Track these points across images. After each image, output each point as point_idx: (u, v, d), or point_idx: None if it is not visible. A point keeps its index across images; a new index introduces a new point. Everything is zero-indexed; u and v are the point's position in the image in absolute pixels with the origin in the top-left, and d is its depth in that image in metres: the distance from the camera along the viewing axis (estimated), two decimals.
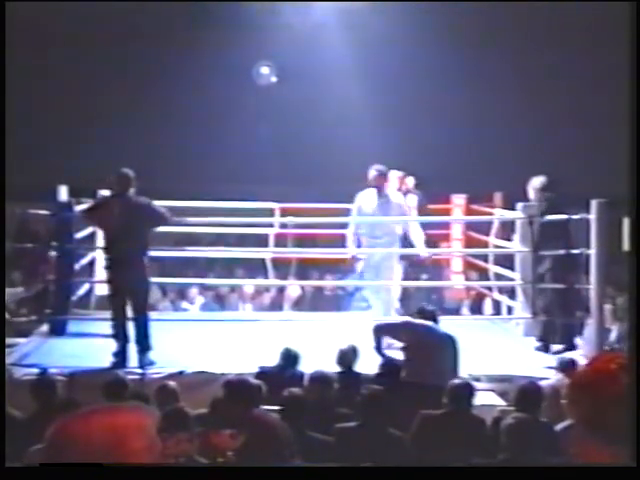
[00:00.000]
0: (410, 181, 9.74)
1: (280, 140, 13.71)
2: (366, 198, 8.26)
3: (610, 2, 11.17)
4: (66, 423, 1.84)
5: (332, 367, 6.37)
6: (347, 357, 6.46)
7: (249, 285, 11.04)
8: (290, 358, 6.49)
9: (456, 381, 5.69)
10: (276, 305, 10.97)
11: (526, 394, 5.50)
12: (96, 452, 1.79)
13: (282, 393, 5.31)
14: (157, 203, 7.86)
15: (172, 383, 5.80)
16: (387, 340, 6.79)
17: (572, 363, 6.51)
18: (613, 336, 8.74)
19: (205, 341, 8.20)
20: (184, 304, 11.24)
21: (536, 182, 8.20)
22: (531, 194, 8.22)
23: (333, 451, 4.98)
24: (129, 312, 7.44)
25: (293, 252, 9.80)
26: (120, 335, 7.38)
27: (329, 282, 10.94)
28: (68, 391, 6.14)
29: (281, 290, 11.05)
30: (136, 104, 13.43)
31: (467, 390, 5.59)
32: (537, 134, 13.84)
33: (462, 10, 13.23)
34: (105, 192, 9.36)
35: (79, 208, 8.68)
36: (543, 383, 6.19)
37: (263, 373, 6.41)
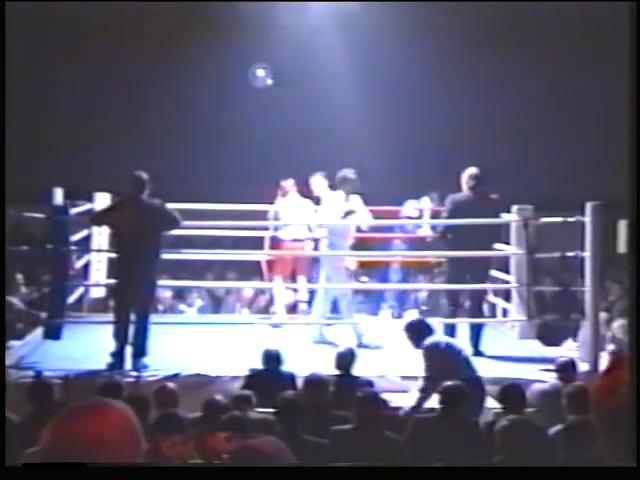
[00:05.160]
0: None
1: (276, 142, 13.70)
2: None
3: (610, 2, 11.18)
4: (58, 423, 1.83)
5: (327, 369, 6.38)
6: (345, 360, 6.47)
7: (247, 288, 11.02)
8: (272, 359, 6.51)
9: (449, 383, 5.70)
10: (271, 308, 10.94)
11: (509, 394, 5.53)
12: (83, 452, 1.78)
13: (275, 395, 5.33)
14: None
15: (171, 385, 5.81)
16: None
17: (573, 365, 6.53)
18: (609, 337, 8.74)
19: (201, 343, 8.20)
20: (182, 306, 11.23)
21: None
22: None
23: (329, 454, 4.98)
24: (132, 314, 7.46)
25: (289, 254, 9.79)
26: (121, 335, 7.39)
27: (325, 285, 10.91)
28: (64, 394, 6.14)
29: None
30: (133, 106, 13.42)
31: (460, 393, 5.60)
32: (534, 137, 13.85)
33: (459, 10, 13.23)
34: (101, 194, 9.41)
35: (76, 210, 8.71)
36: (542, 385, 6.20)
37: (254, 376, 6.43)
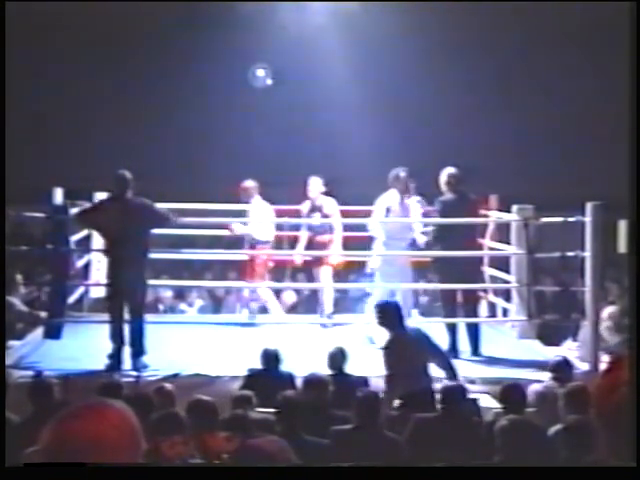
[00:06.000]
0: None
1: (276, 142, 13.70)
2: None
3: (610, 2, 11.17)
4: (58, 423, 1.83)
5: (325, 370, 6.38)
6: (336, 360, 6.47)
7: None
8: (272, 358, 6.51)
9: (449, 383, 5.71)
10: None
11: (509, 394, 5.54)
12: (83, 452, 1.79)
13: (275, 395, 5.33)
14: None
15: (169, 385, 5.82)
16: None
17: (567, 364, 6.53)
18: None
19: (202, 343, 8.21)
20: (182, 306, 11.24)
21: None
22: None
23: (329, 454, 4.98)
24: (126, 314, 7.46)
25: (289, 254, 9.80)
26: (116, 337, 7.39)
27: (326, 285, 10.93)
28: (64, 394, 6.13)
29: (277, 293, 11.03)
30: (133, 106, 13.42)
31: (460, 393, 5.61)
32: (534, 136, 13.85)
33: (460, 10, 13.23)
34: (101, 194, 9.40)
35: (74, 211, 8.69)
36: (536, 386, 6.20)
37: (253, 376, 6.44)
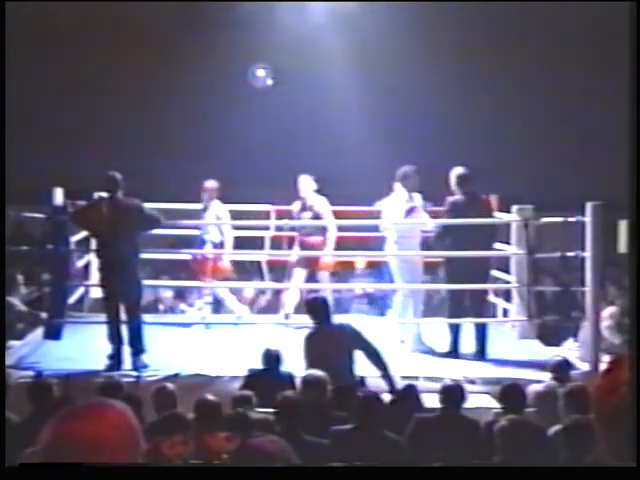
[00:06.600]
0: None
1: (276, 143, 13.70)
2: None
3: (610, 2, 11.17)
4: (58, 423, 1.83)
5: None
6: None
7: (248, 288, 11.02)
8: (272, 359, 6.51)
9: (449, 383, 5.72)
10: (272, 308, 10.95)
11: (509, 394, 5.55)
12: (83, 452, 1.79)
13: (274, 395, 5.33)
14: (153, 205, 7.88)
15: (170, 385, 5.81)
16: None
17: (567, 364, 6.54)
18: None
19: (202, 344, 8.21)
20: (182, 306, 11.23)
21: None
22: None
23: (329, 454, 4.98)
24: (122, 315, 7.47)
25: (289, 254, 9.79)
26: (114, 338, 7.39)
27: (326, 285, 10.93)
28: (64, 394, 6.14)
29: (277, 293, 11.03)
30: (132, 106, 13.42)
31: (460, 393, 5.61)
32: (534, 136, 13.85)
33: (459, 11, 13.23)
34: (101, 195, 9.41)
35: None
36: (536, 386, 6.21)
37: (253, 376, 6.44)
